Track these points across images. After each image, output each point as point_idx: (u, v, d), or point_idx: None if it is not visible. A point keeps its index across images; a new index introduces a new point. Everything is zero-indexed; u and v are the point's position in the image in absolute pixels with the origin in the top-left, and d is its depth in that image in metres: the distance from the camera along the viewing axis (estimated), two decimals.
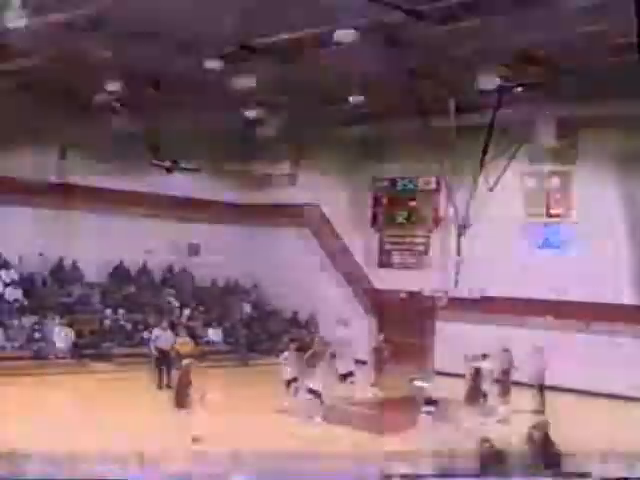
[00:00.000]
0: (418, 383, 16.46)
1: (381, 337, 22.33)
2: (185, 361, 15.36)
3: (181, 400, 14.64)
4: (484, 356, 17.96)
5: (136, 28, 18.93)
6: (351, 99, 25.20)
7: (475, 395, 16.90)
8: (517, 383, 18.64)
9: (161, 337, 21.13)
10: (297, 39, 19.47)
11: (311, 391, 16.91)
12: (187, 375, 14.97)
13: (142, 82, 22.65)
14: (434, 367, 24.98)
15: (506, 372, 18.21)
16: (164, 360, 20.66)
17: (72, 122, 23.89)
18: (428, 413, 16.13)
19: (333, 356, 20.54)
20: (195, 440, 14.30)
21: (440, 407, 16.27)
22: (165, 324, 21.86)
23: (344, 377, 19.93)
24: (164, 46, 20.34)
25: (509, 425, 17.34)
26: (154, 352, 20.81)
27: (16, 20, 15.79)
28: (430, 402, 16.23)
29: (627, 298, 21.51)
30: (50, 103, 23.06)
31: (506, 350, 18.51)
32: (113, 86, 23.19)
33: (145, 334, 24.68)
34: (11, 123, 23.91)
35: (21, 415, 16.06)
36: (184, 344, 21.92)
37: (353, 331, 22.61)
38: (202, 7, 17.28)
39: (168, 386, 20.24)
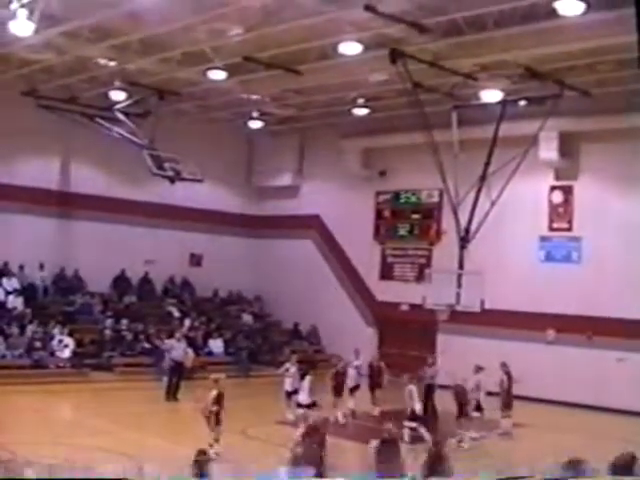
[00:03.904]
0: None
1: (375, 354, 22.10)
2: (213, 376, 15.16)
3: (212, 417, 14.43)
4: (479, 369, 17.88)
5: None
6: (355, 111, 25.41)
7: (460, 411, 16.87)
8: (518, 397, 18.55)
9: (175, 348, 21.06)
10: (301, 51, 19.61)
11: (299, 405, 16.92)
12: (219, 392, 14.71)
13: (146, 92, 22.78)
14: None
15: (506, 386, 18.11)
16: (177, 372, 20.56)
17: (76, 131, 23.95)
18: (411, 429, 16.04)
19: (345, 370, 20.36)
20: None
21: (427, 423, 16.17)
22: (179, 335, 21.79)
23: (352, 391, 19.87)
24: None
25: (512, 439, 17.37)
26: (169, 363, 20.76)
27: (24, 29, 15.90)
28: (414, 418, 16.18)
29: (629, 312, 21.43)
30: (54, 111, 23.11)
31: (504, 364, 18.38)
32: (117, 95, 23.39)
33: (146, 344, 24.72)
34: (15, 131, 24.01)
35: (21, 423, 16.05)
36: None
37: (355, 343, 22.48)
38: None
39: (175, 398, 20.06)
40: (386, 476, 10.04)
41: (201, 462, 8.15)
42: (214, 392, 14.61)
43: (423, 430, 15.81)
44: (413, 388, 16.62)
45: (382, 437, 11.17)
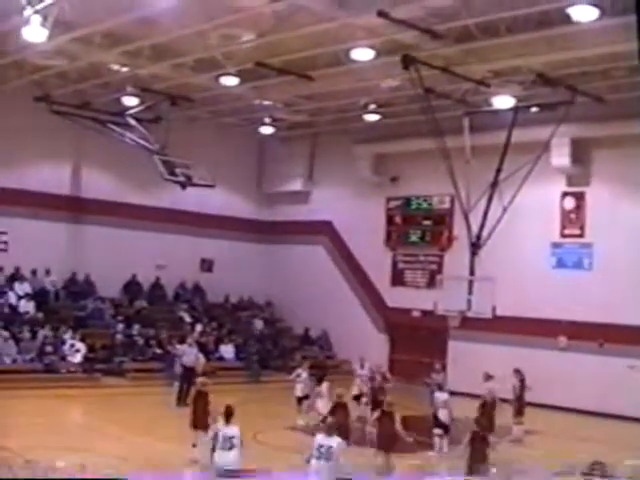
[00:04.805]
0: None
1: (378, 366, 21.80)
2: (200, 379, 15.05)
3: (198, 421, 14.21)
4: (489, 377, 17.78)
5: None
6: (366, 117, 25.43)
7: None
8: (530, 404, 18.45)
9: (187, 354, 21.07)
10: (313, 57, 19.64)
11: (315, 411, 16.88)
12: (204, 395, 14.55)
13: (158, 97, 22.86)
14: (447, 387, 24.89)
15: (518, 393, 18.04)
16: (188, 377, 20.56)
17: (88, 136, 24.04)
18: (439, 436, 15.95)
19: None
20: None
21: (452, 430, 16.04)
22: (191, 340, 21.80)
23: (357, 398, 19.76)
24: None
25: (523, 445, 17.26)
26: (179, 368, 20.77)
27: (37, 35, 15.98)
28: (440, 425, 16.06)
29: None
30: (67, 117, 23.21)
31: (517, 371, 18.33)
32: (130, 101, 23.49)
33: (158, 350, 24.75)
34: (28, 136, 24.13)
35: (32, 428, 16.06)
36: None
37: (366, 349, 22.44)
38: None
39: (185, 403, 20.10)
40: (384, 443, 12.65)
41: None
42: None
43: (445, 440, 15.77)
44: (448, 397, 16.41)
45: (381, 409, 13.23)
